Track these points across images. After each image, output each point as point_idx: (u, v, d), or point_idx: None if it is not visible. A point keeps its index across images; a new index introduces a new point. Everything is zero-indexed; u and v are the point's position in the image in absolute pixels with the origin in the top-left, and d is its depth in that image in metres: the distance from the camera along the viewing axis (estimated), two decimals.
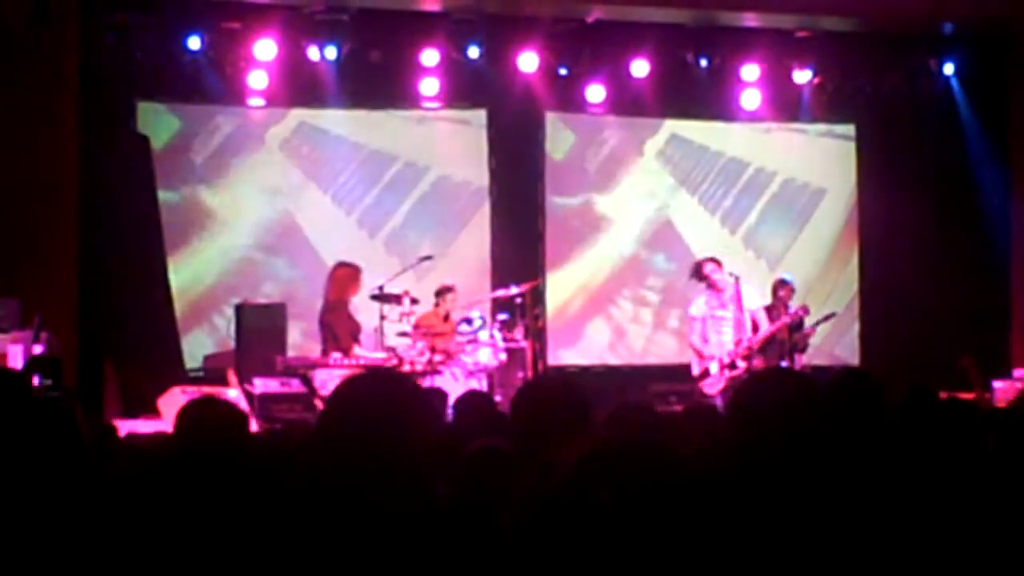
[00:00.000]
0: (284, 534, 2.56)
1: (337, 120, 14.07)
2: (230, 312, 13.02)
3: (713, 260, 12.05)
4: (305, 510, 2.60)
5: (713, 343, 11.84)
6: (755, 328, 11.87)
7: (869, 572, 2.29)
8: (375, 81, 13.81)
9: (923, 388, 4.31)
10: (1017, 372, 13.06)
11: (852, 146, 15.35)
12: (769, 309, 12.24)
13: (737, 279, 11.76)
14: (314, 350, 12.22)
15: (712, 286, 11.88)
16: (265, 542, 2.60)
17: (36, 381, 8.84)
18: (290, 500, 2.75)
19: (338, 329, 11.53)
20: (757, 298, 12.14)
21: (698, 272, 12.04)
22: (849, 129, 15.34)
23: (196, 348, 13.13)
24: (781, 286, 12.68)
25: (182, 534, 3.09)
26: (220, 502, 3.25)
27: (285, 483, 3.24)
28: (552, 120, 14.68)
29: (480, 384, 11.77)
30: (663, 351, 14.69)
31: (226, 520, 3.08)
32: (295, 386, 11.03)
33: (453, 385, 11.10)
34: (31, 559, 2.98)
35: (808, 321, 12.75)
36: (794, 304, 12.61)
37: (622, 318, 14.80)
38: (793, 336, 12.45)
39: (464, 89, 14.10)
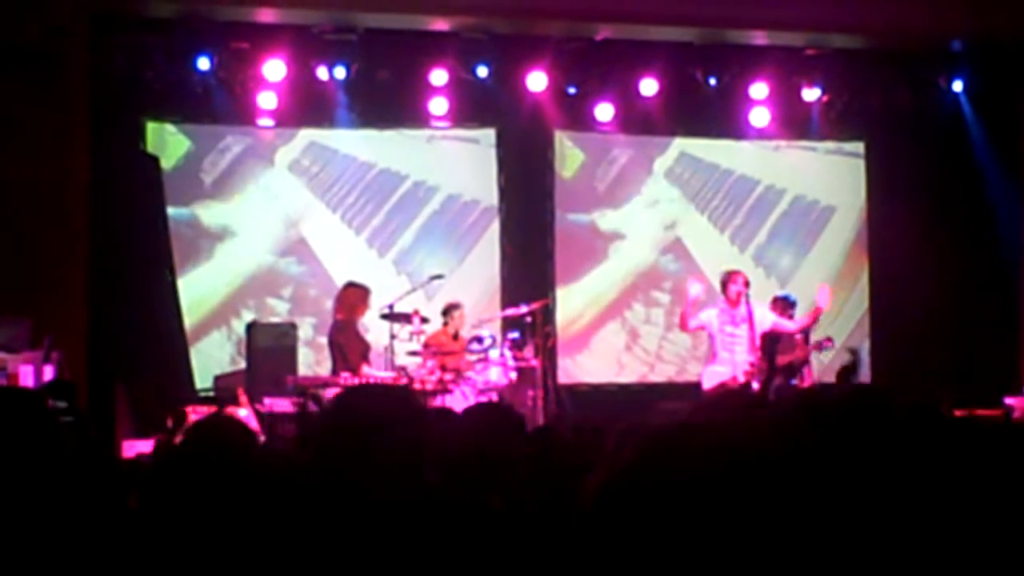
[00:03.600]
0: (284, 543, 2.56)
1: (346, 140, 14.10)
2: (240, 332, 13.04)
3: (744, 277, 11.86)
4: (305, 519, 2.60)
5: (725, 360, 11.72)
6: (777, 340, 11.87)
7: None
8: (384, 100, 13.83)
9: (926, 406, 4.27)
10: None
11: (861, 163, 15.34)
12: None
13: (750, 310, 11.66)
14: (324, 369, 12.24)
15: (729, 300, 11.73)
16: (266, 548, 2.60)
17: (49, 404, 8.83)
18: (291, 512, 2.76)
19: (348, 349, 11.55)
20: (767, 316, 12.05)
21: (725, 281, 11.88)
22: (858, 147, 15.33)
23: (207, 368, 13.12)
24: (781, 303, 12.65)
25: (192, 543, 3.10)
26: (225, 512, 3.25)
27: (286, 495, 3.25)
28: (561, 139, 14.69)
29: None
30: (677, 348, 14.67)
31: (231, 528, 3.08)
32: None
33: (463, 404, 11.08)
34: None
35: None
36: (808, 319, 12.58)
37: (636, 321, 14.78)
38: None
39: (473, 108, 14.11)
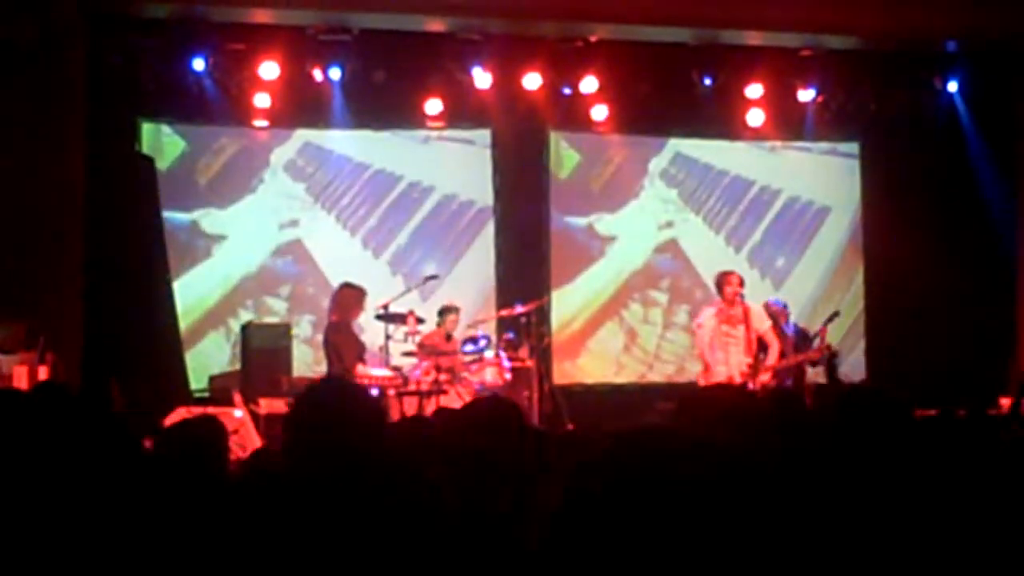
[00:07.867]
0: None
1: (341, 140, 14.11)
2: (235, 332, 13.03)
3: (739, 278, 11.84)
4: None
5: (720, 360, 11.69)
6: (764, 348, 11.79)
7: None
8: (379, 101, 13.83)
9: (899, 402, 4.26)
10: None
11: (856, 164, 15.36)
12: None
13: (746, 310, 11.63)
14: (324, 368, 12.23)
15: (725, 299, 11.69)
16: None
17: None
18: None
19: (343, 349, 11.54)
20: (764, 319, 12.01)
21: (720, 282, 11.87)
22: (853, 147, 15.35)
23: (205, 368, 13.11)
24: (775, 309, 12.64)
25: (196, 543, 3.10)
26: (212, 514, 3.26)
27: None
28: (556, 139, 14.70)
29: None
30: (676, 348, 14.68)
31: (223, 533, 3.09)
32: None
33: (458, 405, 11.06)
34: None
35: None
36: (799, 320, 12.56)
37: (634, 320, 14.79)
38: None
39: (468, 109, 14.11)
